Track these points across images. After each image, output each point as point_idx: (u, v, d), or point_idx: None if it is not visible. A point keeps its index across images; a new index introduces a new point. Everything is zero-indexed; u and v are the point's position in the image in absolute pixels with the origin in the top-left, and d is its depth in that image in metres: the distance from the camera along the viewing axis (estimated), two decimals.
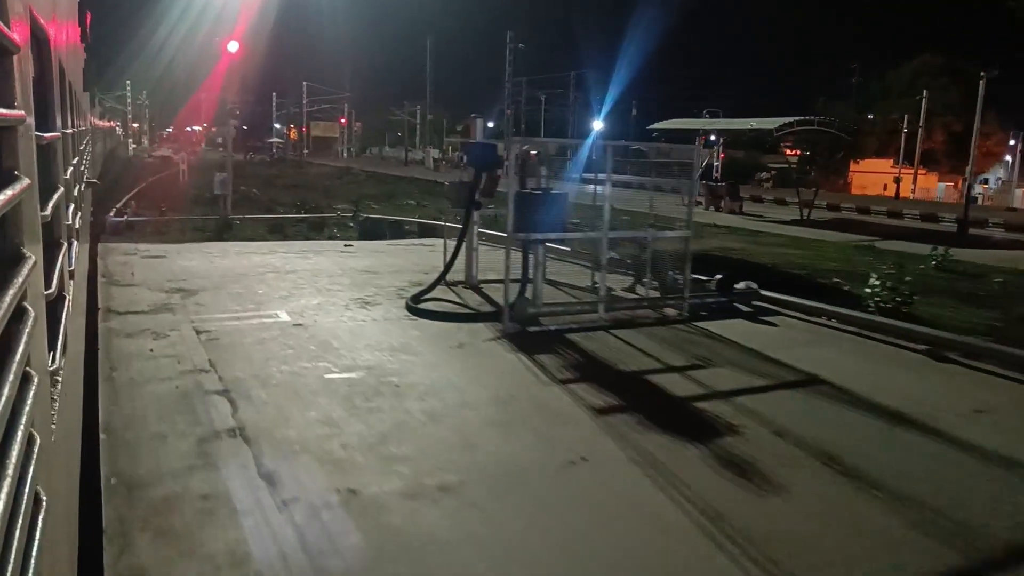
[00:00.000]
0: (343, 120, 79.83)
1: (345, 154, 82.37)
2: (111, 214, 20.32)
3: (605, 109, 53.76)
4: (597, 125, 54.15)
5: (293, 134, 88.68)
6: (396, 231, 19.18)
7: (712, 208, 28.21)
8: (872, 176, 57.90)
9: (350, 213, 21.96)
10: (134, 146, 68.63)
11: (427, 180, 45.00)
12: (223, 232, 18.67)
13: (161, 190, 30.91)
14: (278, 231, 20.73)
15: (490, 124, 66.63)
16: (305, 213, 24.48)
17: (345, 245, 13.97)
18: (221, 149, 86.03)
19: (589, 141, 10.75)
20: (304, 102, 69.87)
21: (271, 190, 35.71)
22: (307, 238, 19.64)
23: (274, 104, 78.58)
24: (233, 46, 19.07)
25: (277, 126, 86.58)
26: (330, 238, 19.75)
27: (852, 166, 59.34)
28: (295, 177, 46.52)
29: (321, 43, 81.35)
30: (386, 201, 32.41)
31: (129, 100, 71.53)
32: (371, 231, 19.94)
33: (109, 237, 17.43)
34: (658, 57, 58.23)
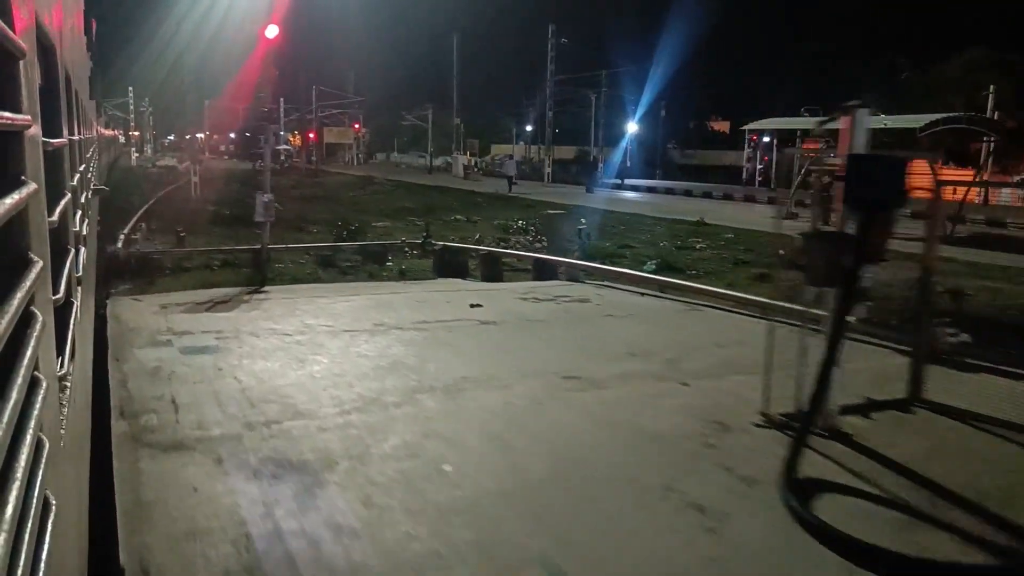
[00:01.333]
0: (357, 126, 74.40)
1: (355, 161, 77.14)
2: (119, 243, 15.56)
3: (640, 110, 49.10)
4: (632, 127, 49.51)
5: (296, 140, 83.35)
6: (486, 264, 14.39)
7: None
8: (920, 178, 53.32)
9: (419, 239, 17.16)
10: (136, 155, 63.58)
11: (462, 190, 40.05)
12: (265, 270, 13.84)
13: (173, 208, 26.07)
14: (329, 264, 15.93)
15: (528, 128, 61.83)
16: (347, 235, 19.69)
17: (472, 306, 9.21)
18: (226, 157, 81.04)
19: None
20: (315, 107, 64.78)
21: (292, 203, 30.75)
22: (371, 275, 14.93)
23: (282, 110, 73.15)
24: (272, 31, 14.37)
25: (281, 132, 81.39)
26: (401, 273, 15.03)
27: None
28: (313, 188, 41.51)
29: (326, 46, 76.27)
30: (427, 215, 27.61)
31: (131, 107, 66.22)
32: (450, 264, 15.17)
33: (119, 284, 12.83)
34: (687, 57, 53.60)
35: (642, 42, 54.14)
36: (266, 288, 12.48)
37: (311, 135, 78.62)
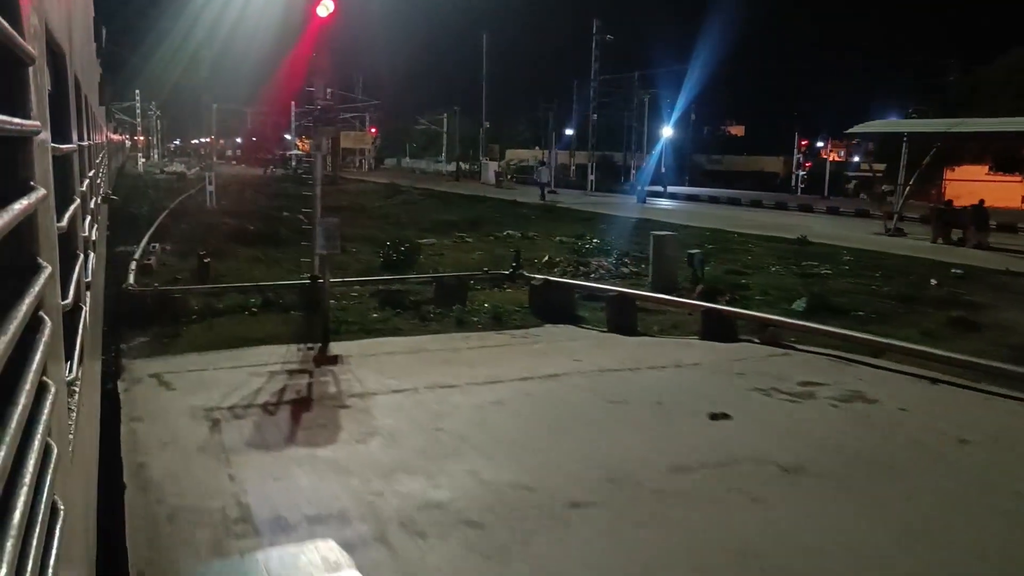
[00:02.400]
0: (374, 130, 70.58)
1: (367, 166, 73.34)
2: (131, 275, 11.92)
3: (676, 114, 45.48)
4: (667, 132, 45.93)
5: (304, 146, 79.47)
6: (616, 309, 10.73)
7: (940, 240, 19.88)
8: (967, 184, 50.10)
9: (507, 270, 13.46)
10: (143, 161, 59.81)
11: (501, 200, 36.21)
12: (328, 320, 10.15)
13: (188, 222, 22.32)
14: (396, 304, 12.11)
15: (568, 131, 57.89)
16: (398, 258, 16.02)
17: (712, 417, 5.54)
18: (234, 162, 77.12)
19: None
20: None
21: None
22: (459, 322, 11.21)
23: (293, 114, 69.23)
24: (325, 8, 10.74)
25: (288, 137, 77.50)
26: (495, 318, 11.32)
27: (947, 174, 51.48)
28: (336, 197, 37.62)
29: (338, 49, 72.54)
30: (474, 230, 23.94)
31: (139, 112, 62.32)
32: (554, 304, 11.54)
33: (134, 337, 9.30)
34: (719, 61, 50.02)
35: (675, 45, 50.60)
36: (335, 351, 8.90)
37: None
